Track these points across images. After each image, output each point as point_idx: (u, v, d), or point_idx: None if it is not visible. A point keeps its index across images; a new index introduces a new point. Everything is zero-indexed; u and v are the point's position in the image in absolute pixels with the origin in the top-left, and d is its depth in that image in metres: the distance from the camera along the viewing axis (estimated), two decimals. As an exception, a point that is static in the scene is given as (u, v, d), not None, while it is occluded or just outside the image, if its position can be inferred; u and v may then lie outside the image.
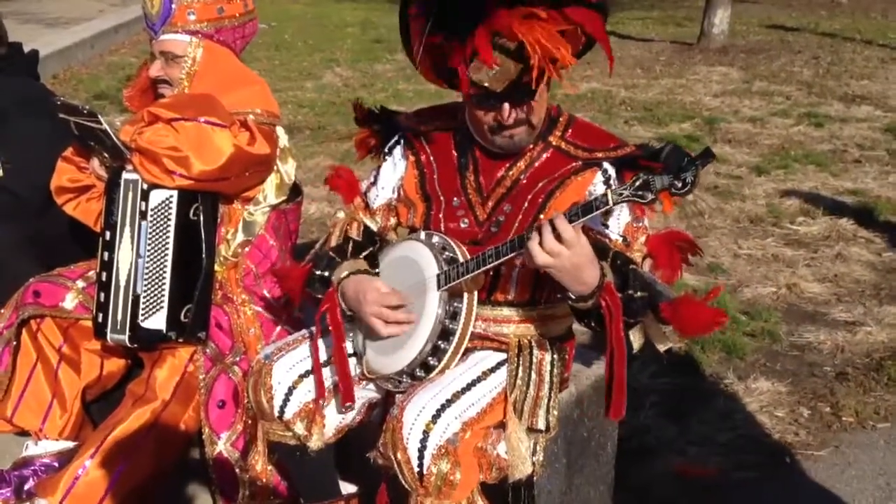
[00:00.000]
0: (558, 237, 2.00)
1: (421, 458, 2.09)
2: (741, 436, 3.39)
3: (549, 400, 2.29)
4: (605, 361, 2.14)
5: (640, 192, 1.96)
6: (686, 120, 7.79)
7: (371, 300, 2.30)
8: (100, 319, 2.82)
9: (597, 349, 2.91)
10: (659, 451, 3.28)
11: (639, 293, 2.11)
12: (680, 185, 1.93)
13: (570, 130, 2.38)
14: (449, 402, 2.17)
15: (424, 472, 2.08)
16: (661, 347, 2.19)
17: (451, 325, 2.25)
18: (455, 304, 2.26)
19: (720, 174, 6.44)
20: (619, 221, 2.26)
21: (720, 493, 3.08)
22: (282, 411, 2.37)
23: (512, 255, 2.13)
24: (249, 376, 2.44)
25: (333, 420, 2.40)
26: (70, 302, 2.93)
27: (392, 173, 2.54)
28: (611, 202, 1.99)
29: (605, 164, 2.28)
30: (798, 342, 4.11)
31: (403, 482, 2.13)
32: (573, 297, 2.10)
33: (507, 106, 2.19)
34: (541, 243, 2.01)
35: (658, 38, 11.86)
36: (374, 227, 2.53)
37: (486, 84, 2.14)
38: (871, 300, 4.53)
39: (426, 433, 2.10)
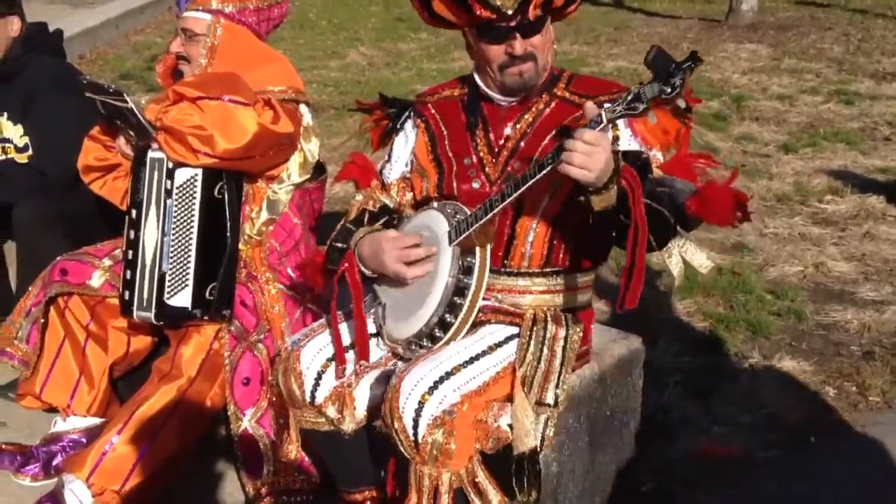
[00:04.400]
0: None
1: (416, 427, 2.12)
2: (766, 415, 3.37)
3: (559, 375, 2.30)
4: (627, 246, 2.08)
5: (632, 105, 2.01)
6: (714, 98, 7.70)
7: (388, 247, 2.32)
8: (126, 297, 2.85)
9: (619, 327, 2.91)
10: (682, 431, 3.27)
11: (660, 188, 2.13)
12: (669, 90, 1.97)
13: (573, 83, 2.46)
14: (448, 374, 2.19)
15: (419, 440, 2.11)
16: (703, 265, 2.17)
17: (465, 280, 2.27)
18: (468, 259, 2.27)
19: (747, 153, 6.37)
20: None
21: (744, 472, 3.06)
22: (313, 396, 2.39)
23: (516, 194, 2.16)
24: (278, 364, 2.45)
25: (363, 400, 2.42)
26: (97, 280, 2.95)
27: (404, 146, 2.59)
28: (605, 119, 2.04)
29: (607, 104, 2.24)
30: (824, 321, 4.07)
31: (401, 450, 2.16)
32: (592, 189, 2.09)
33: (516, 36, 2.28)
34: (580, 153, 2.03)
35: (686, 15, 11.72)
36: (390, 204, 2.56)
37: (497, 2, 2.23)
38: (899, 279, 4.48)
39: (421, 403, 2.12)
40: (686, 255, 2.16)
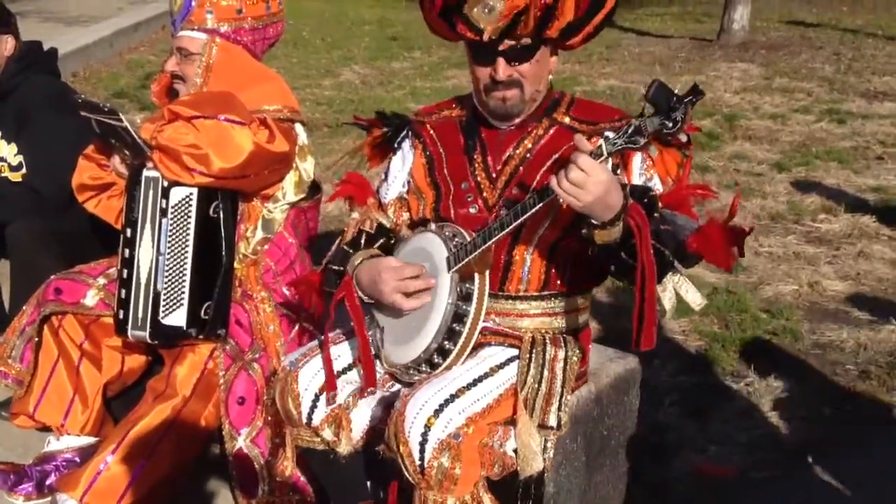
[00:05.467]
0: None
1: (422, 451, 2.09)
2: (762, 434, 3.37)
3: (561, 397, 2.28)
4: (635, 288, 2.06)
5: (633, 138, 1.99)
6: (706, 117, 7.74)
7: (387, 277, 2.29)
8: (121, 316, 2.84)
9: (615, 345, 2.90)
10: (679, 450, 3.26)
11: (663, 226, 2.11)
12: (671, 124, 1.95)
13: (573, 108, 2.42)
14: (453, 396, 2.17)
15: (425, 465, 2.08)
16: (696, 302, 2.16)
17: (464, 307, 2.24)
18: (467, 286, 2.25)
19: (740, 172, 6.40)
20: None
21: (740, 492, 3.06)
22: (310, 418, 2.37)
23: (516, 223, 2.14)
24: (275, 383, 2.43)
25: (360, 423, 2.40)
26: (91, 299, 2.94)
27: (401, 166, 2.57)
28: (605, 152, 2.01)
29: (608, 133, 2.17)
30: (820, 341, 4.08)
31: (406, 474, 2.13)
32: (597, 223, 2.06)
33: (500, 60, 2.25)
34: (566, 178, 2.00)
35: (677, 34, 11.80)
36: (387, 224, 2.53)
37: (480, 25, 2.21)
38: (894, 298, 4.48)
39: (428, 427, 2.09)
40: (680, 289, 2.16)
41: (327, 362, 2.35)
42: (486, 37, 2.22)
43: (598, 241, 2.10)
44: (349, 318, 2.38)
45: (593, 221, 2.07)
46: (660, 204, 2.19)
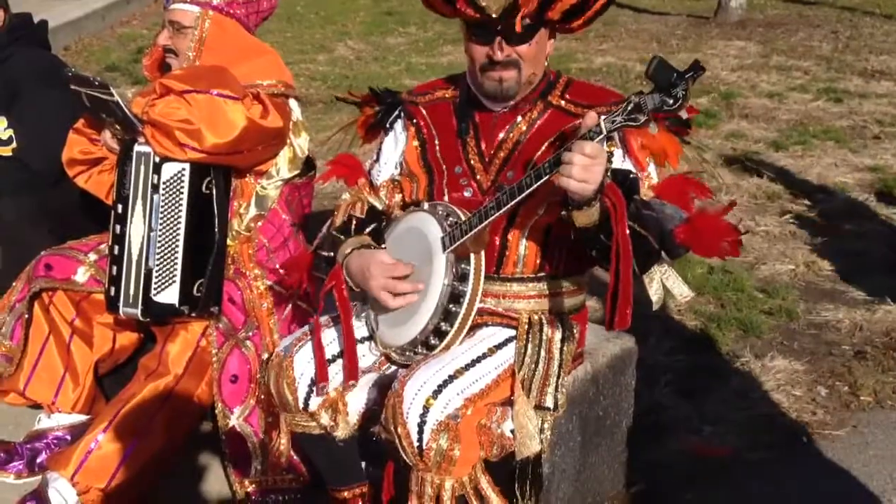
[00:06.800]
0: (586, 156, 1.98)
1: (420, 432, 2.08)
2: (757, 415, 3.36)
3: (557, 378, 2.27)
4: (610, 266, 2.05)
5: (632, 116, 1.97)
6: (703, 94, 7.69)
7: (376, 273, 2.27)
8: (112, 293, 2.81)
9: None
10: (674, 430, 3.25)
11: (646, 211, 2.08)
12: (671, 101, 1.92)
13: (569, 90, 2.39)
14: (451, 377, 2.16)
15: (424, 447, 2.07)
16: (683, 295, 2.14)
17: (460, 287, 2.23)
18: (463, 266, 2.23)
19: (737, 150, 6.37)
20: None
21: (735, 472, 3.05)
22: (306, 403, 2.35)
23: (512, 203, 2.12)
24: (269, 370, 2.40)
25: (356, 405, 2.38)
26: (82, 275, 2.92)
27: (394, 148, 2.54)
28: (604, 130, 1.99)
29: (606, 115, 2.12)
30: (816, 320, 4.06)
31: (404, 456, 2.12)
32: (573, 202, 2.05)
33: (499, 40, 2.21)
34: (573, 164, 1.97)
35: (674, 11, 11.72)
36: (378, 206, 2.50)
37: (482, 3, 2.17)
38: (889, 278, 4.47)
39: (426, 408, 2.08)
40: (667, 282, 2.14)
41: (319, 356, 2.32)
42: (494, 15, 2.17)
43: (577, 223, 2.08)
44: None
45: (571, 204, 2.05)
46: (646, 186, 2.17)
